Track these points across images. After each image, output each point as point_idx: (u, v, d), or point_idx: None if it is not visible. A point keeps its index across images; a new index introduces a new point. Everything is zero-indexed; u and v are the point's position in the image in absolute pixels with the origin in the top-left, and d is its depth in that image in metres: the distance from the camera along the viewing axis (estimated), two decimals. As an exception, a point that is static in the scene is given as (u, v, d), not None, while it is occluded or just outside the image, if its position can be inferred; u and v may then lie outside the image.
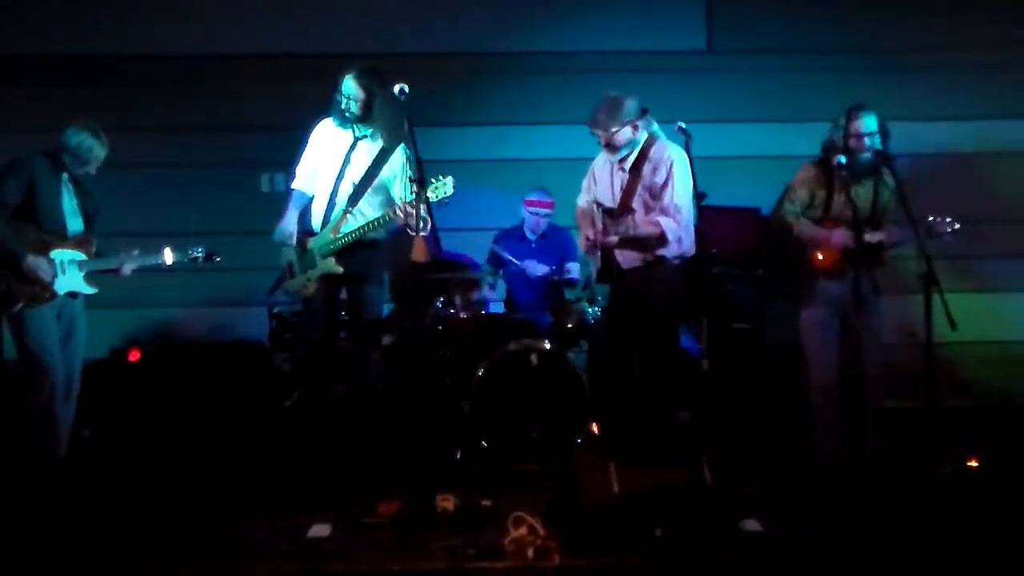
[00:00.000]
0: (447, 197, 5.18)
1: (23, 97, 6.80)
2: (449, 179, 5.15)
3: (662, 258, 5.32)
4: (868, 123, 5.31)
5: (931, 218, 5.16)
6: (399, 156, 5.57)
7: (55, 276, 5.42)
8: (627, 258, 5.39)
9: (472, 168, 6.48)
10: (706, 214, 5.20)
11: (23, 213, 5.40)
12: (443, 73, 6.69)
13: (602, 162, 5.55)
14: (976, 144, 6.91)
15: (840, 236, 5.30)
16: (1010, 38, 6.92)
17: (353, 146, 5.60)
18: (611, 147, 5.35)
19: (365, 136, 5.58)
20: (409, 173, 5.26)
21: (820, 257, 5.38)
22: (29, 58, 6.81)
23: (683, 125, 5.17)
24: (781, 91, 6.89)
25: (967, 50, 6.91)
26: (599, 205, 5.46)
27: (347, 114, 5.51)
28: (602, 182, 5.52)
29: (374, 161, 5.57)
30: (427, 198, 5.01)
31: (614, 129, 5.29)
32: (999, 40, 6.92)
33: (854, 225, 5.13)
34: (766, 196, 6.07)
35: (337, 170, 5.60)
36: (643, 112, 5.35)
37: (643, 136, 5.38)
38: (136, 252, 5.60)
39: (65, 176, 5.52)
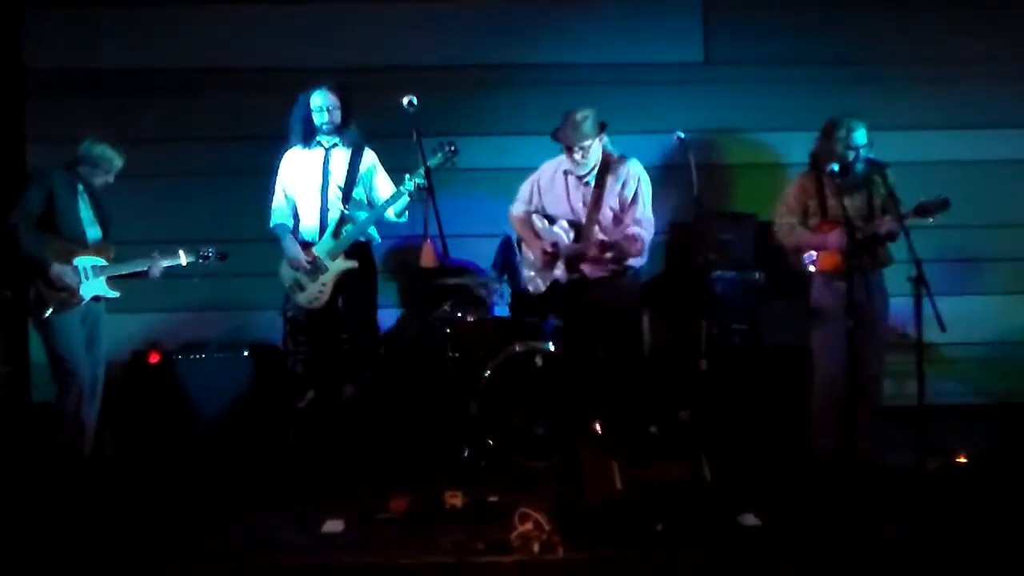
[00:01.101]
0: (452, 157, 5.44)
1: (39, 109, 6.89)
2: (451, 144, 5.42)
3: (626, 268, 5.48)
4: (861, 136, 5.40)
5: (922, 199, 5.22)
6: (369, 154, 5.80)
7: (80, 282, 5.53)
8: (593, 268, 5.51)
9: (476, 177, 6.60)
10: (704, 220, 5.33)
11: (44, 223, 5.51)
12: (448, 85, 6.78)
13: (551, 174, 5.67)
14: (967, 153, 6.99)
15: (835, 238, 5.36)
16: (997, 52, 7.00)
17: (327, 156, 5.77)
18: (580, 161, 5.48)
19: (336, 144, 5.76)
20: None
21: (822, 261, 5.46)
22: (47, 72, 6.88)
23: (682, 135, 5.33)
24: (777, 101, 6.94)
25: (957, 62, 6.98)
26: (550, 218, 5.63)
27: (324, 126, 5.68)
28: (555, 195, 5.64)
29: (351, 162, 5.76)
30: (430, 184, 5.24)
31: (588, 143, 5.43)
32: (986, 53, 6.99)
33: (848, 230, 5.20)
34: (762, 202, 6.20)
35: (320, 182, 5.75)
36: (603, 127, 5.49)
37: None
38: (156, 254, 5.71)
39: (81, 187, 5.63)
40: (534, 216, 5.73)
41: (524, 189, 5.78)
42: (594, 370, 5.60)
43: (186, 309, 6.81)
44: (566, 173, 5.63)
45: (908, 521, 4.60)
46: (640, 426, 5.69)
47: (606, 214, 5.56)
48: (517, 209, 5.79)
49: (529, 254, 5.81)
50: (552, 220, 5.70)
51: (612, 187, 5.54)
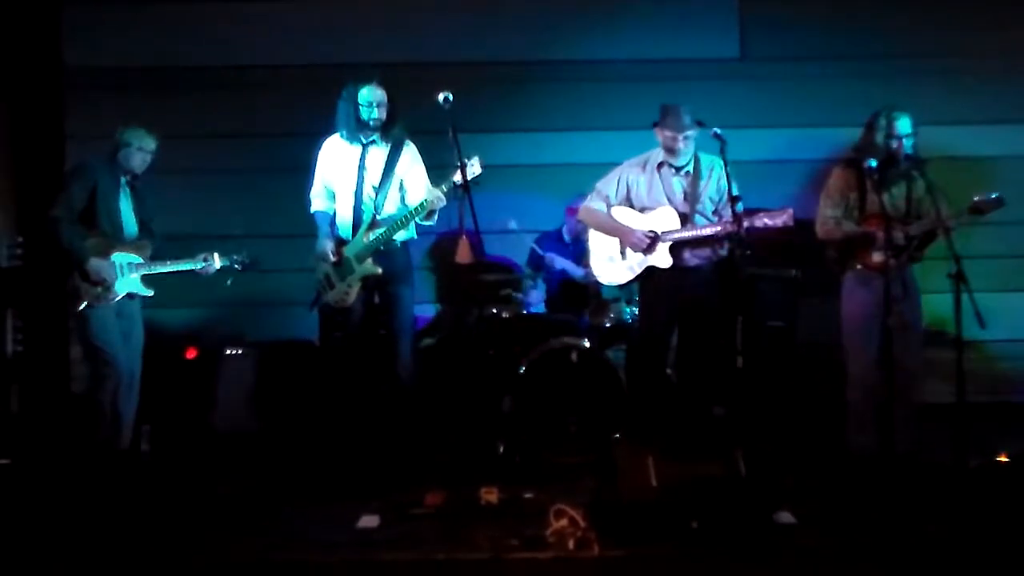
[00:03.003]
0: (477, 177, 5.35)
1: (78, 107, 6.97)
2: (476, 159, 5.34)
3: (714, 259, 5.62)
4: (904, 125, 5.38)
5: (976, 197, 5.21)
6: (408, 152, 5.78)
7: (116, 278, 5.60)
8: (692, 255, 5.63)
9: (512, 173, 6.61)
10: (740, 217, 5.32)
11: (85, 217, 5.58)
12: (484, 81, 6.80)
13: (640, 170, 5.72)
14: (1008, 147, 6.94)
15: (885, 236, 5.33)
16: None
17: (364, 153, 5.76)
18: (683, 151, 5.57)
19: (373, 142, 5.76)
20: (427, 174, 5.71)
21: (871, 257, 5.44)
22: (86, 70, 6.96)
23: (718, 131, 5.32)
24: (812, 97, 6.94)
25: (998, 55, 6.94)
26: (641, 210, 5.67)
27: (371, 122, 5.67)
28: (650, 188, 5.68)
29: (387, 162, 5.74)
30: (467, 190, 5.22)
31: (692, 133, 5.51)
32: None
33: (886, 225, 5.21)
34: (798, 198, 6.16)
35: (355, 180, 5.75)
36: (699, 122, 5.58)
37: None
38: (205, 254, 5.79)
39: (123, 180, 5.70)
40: (618, 208, 5.77)
41: (607, 185, 5.80)
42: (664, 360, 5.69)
43: (223, 305, 6.85)
44: (660, 166, 5.69)
45: (948, 520, 4.55)
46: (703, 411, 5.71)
47: (706, 203, 5.66)
48: (598, 205, 5.81)
49: (604, 246, 5.84)
50: (642, 211, 5.74)
51: (708, 177, 5.66)
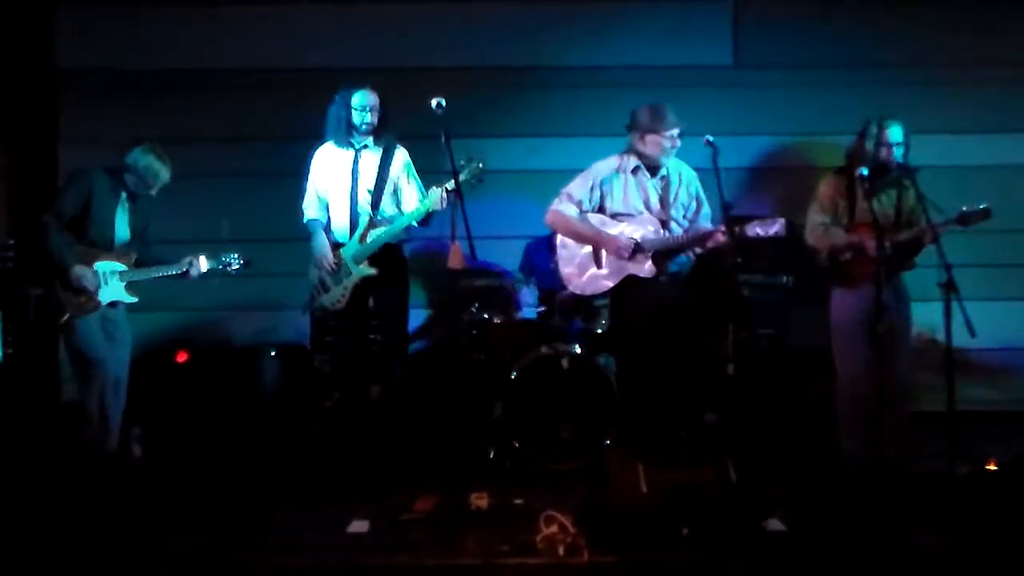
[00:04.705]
0: (480, 174, 5.39)
1: (71, 110, 6.97)
2: (479, 161, 5.38)
3: (693, 261, 5.65)
4: (895, 133, 5.41)
5: (964, 208, 5.23)
6: (400, 155, 5.79)
7: (99, 286, 5.58)
8: (674, 262, 5.67)
9: (505, 178, 6.58)
10: (732, 224, 5.33)
11: (75, 224, 5.56)
12: (476, 87, 6.79)
13: (612, 173, 5.71)
14: (1000, 157, 6.95)
15: (873, 244, 5.30)
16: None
17: (357, 158, 5.77)
18: (674, 150, 5.58)
19: (365, 146, 5.77)
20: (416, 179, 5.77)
21: (854, 265, 5.44)
22: (79, 73, 6.95)
23: (711, 138, 5.32)
24: (805, 105, 6.93)
25: (991, 65, 6.93)
26: (614, 215, 5.68)
27: (363, 126, 5.68)
28: (624, 193, 5.67)
29: (380, 165, 5.75)
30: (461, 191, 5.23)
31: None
32: (1022, 55, 6.97)
33: (876, 233, 5.22)
34: (791, 206, 6.17)
35: (349, 184, 5.76)
36: None
37: None
38: (189, 258, 5.74)
39: (124, 195, 5.68)
40: (591, 216, 5.74)
41: (578, 189, 5.76)
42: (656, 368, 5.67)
43: (213, 308, 6.84)
44: (635, 171, 5.68)
45: (938, 527, 4.57)
46: (671, 429, 5.70)
47: (679, 209, 5.69)
48: (570, 209, 5.77)
49: (575, 254, 5.82)
50: (615, 217, 5.73)
51: (679, 183, 5.69)
